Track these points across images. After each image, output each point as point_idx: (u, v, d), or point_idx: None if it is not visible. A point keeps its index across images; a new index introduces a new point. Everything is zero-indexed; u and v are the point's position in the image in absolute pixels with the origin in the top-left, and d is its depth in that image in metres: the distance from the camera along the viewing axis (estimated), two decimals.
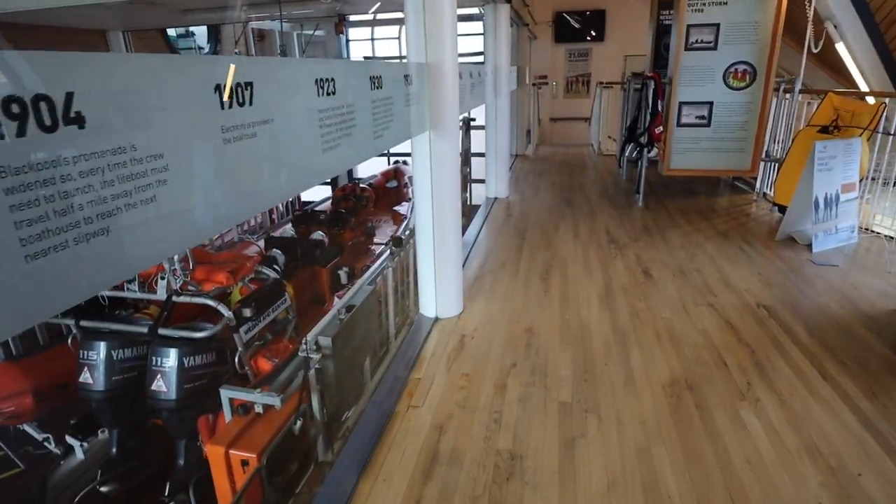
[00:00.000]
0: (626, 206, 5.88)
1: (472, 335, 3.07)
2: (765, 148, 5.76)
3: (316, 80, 1.64)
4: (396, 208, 9.39)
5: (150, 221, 1.06)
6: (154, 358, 4.19)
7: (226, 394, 3.33)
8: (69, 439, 4.80)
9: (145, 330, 4.22)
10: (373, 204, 9.43)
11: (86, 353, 4.34)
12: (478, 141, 7.21)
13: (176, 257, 4.02)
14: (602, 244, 4.62)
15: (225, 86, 1.22)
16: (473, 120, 7.60)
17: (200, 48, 8.18)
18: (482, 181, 6.64)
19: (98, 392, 4.38)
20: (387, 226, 9.26)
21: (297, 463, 3.76)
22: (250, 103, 1.32)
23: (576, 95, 11.94)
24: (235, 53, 7.72)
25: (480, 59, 6.66)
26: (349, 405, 3.27)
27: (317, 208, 8.29)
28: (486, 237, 4.95)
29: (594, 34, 11.53)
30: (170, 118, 1.09)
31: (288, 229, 7.64)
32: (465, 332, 3.10)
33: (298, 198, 10.19)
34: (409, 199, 9.36)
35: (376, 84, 2.05)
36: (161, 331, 4.15)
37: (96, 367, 4.34)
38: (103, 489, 4.54)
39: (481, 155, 6.79)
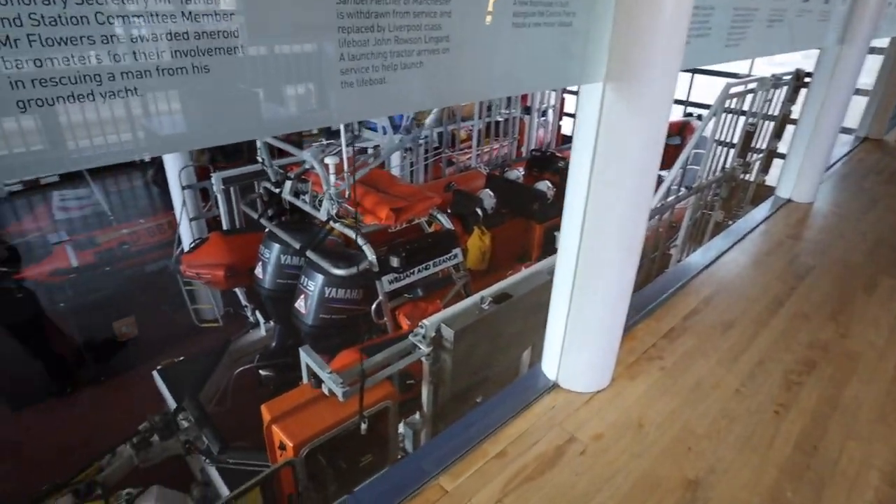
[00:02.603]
0: None
1: (586, 446, 1.82)
2: None
3: None
4: (663, 172, 7.57)
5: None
6: (303, 277, 4.04)
7: (303, 356, 2.85)
8: (258, 315, 5.23)
9: (297, 246, 4.05)
10: None
11: (263, 249, 4.45)
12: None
13: (333, 178, 3.59)
14: None
15: None
16: (807, 77, 5.18)
17: None
18: (782, 156, 4.51)
19: (264, 288, 4.51)
20: None
21: (370, 457, 3.20)
22: None
23: None
24: None
25: None
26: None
27: (559, 153, 7.09)
28: (735, 259, 3.23)
29: None
30: None
31: (519, 171, 6.74)
32: (581, 433, 1.87)
33: (559, 133, 9.07)
34: (686, 165, 7.41)
35: None
36: (309, 253, 3.91)
37: (267, 265, 4.44)
38: (261, 372, 4.83)
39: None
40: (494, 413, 1.93)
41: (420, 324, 2.93)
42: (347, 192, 3.66)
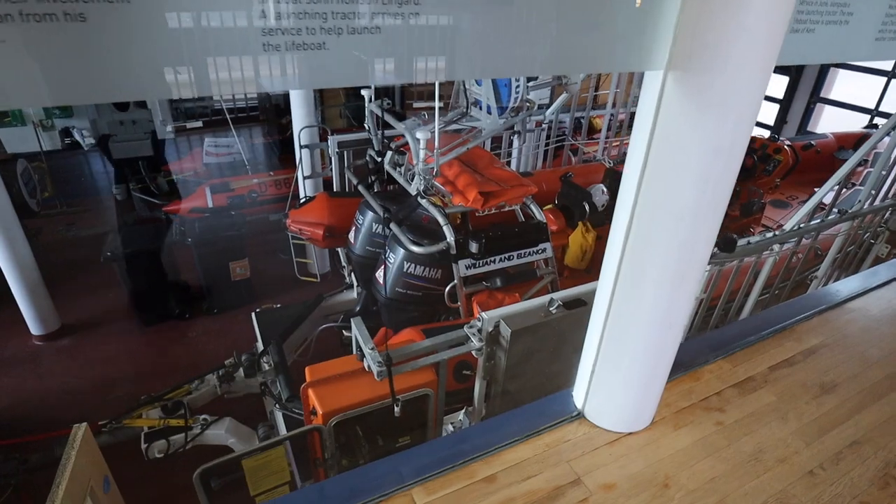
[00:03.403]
0: None
1: (590, 494, 1.58)
2: None
3: None
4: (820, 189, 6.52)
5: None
6: (386, 249, 4.09)
7: (353, 326, 2.86)
8: (354, 278, 5.45)
9: (381, 214, 4.08)
10: (785, 171, 6.73)
11: (358, 215, 4.59)
12: None
13: (422, 153, 3.54)
14: None
15: None
16: None
17: None
18: None
19: (354, 253, 4.66)
20: (791, 208, 6.59)
21: (408, 439, 3.17)
22: None
23: None
24: None
25: None
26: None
27: None
28: (865, 307, 2.60)
29: None
30: None
31: None
32: (590, 478, 1.62)
33: None
34: (851, 184, 6.29)
35: None
36: (392, 226, 3.93)
37: (360, 231, 4.57)
38: (344, 332, 5.06)
39: None
40: (499, 431, 1.75)
41: (478, 316, 2.80)
42: (436, 169, 3.58)
